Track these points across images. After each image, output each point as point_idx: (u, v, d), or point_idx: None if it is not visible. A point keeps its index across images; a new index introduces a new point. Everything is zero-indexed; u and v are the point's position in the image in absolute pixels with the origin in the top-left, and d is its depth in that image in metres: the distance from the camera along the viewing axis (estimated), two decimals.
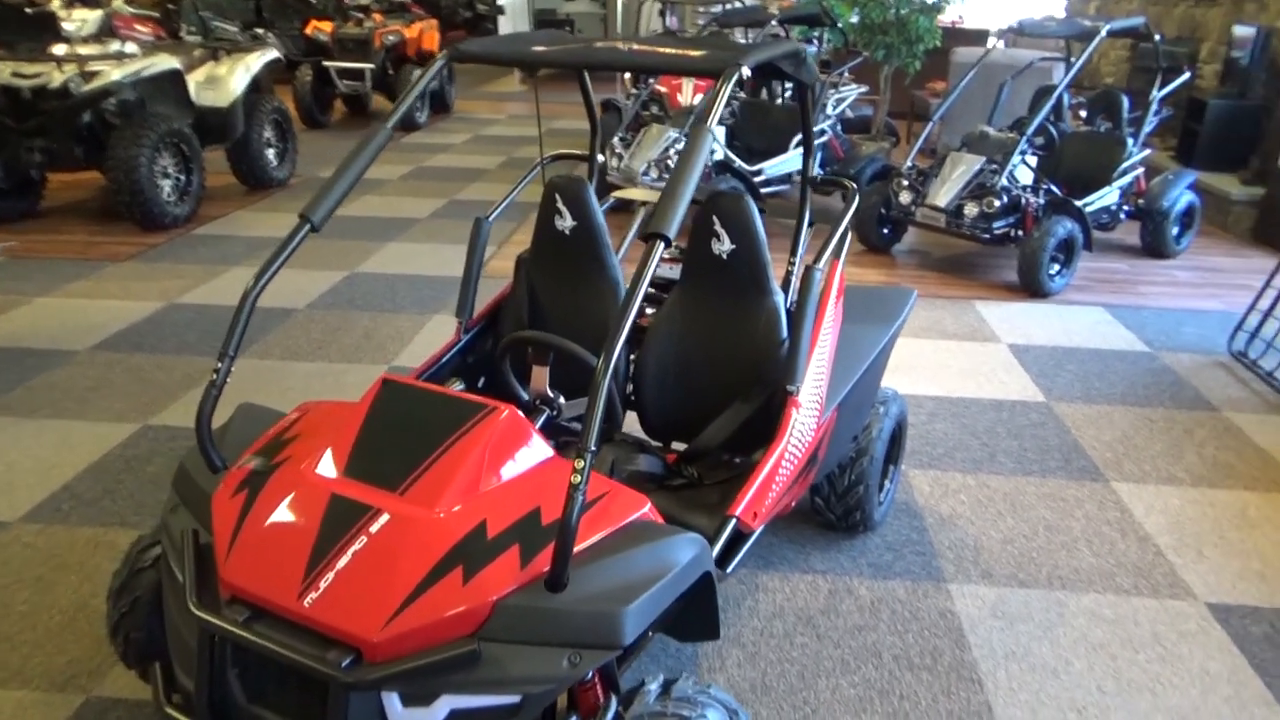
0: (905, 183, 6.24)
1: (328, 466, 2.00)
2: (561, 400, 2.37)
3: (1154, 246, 6.73)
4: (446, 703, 1.73)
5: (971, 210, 5.90)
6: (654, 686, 1.89)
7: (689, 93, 8.29)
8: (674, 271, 3.27)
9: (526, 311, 3.03)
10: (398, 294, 5.58)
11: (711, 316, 2.80)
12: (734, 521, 2.31)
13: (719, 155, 6.84)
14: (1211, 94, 8.18)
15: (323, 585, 1.79)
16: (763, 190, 7.01)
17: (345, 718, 1.71)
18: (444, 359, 2.99)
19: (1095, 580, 3.07)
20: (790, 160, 7.21)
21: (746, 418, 2.71)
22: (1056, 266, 5.83)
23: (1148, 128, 6.56)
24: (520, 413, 2.05)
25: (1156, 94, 6.59)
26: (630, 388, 2.93)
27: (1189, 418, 4.27)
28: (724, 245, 2.72)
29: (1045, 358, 4.92)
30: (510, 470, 2.00)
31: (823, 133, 7.52)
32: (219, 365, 2.10)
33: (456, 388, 2.69)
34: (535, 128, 12.24)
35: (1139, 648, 2.76)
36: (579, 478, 1.72)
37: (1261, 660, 2.73)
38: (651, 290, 3.30)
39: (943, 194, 6.02)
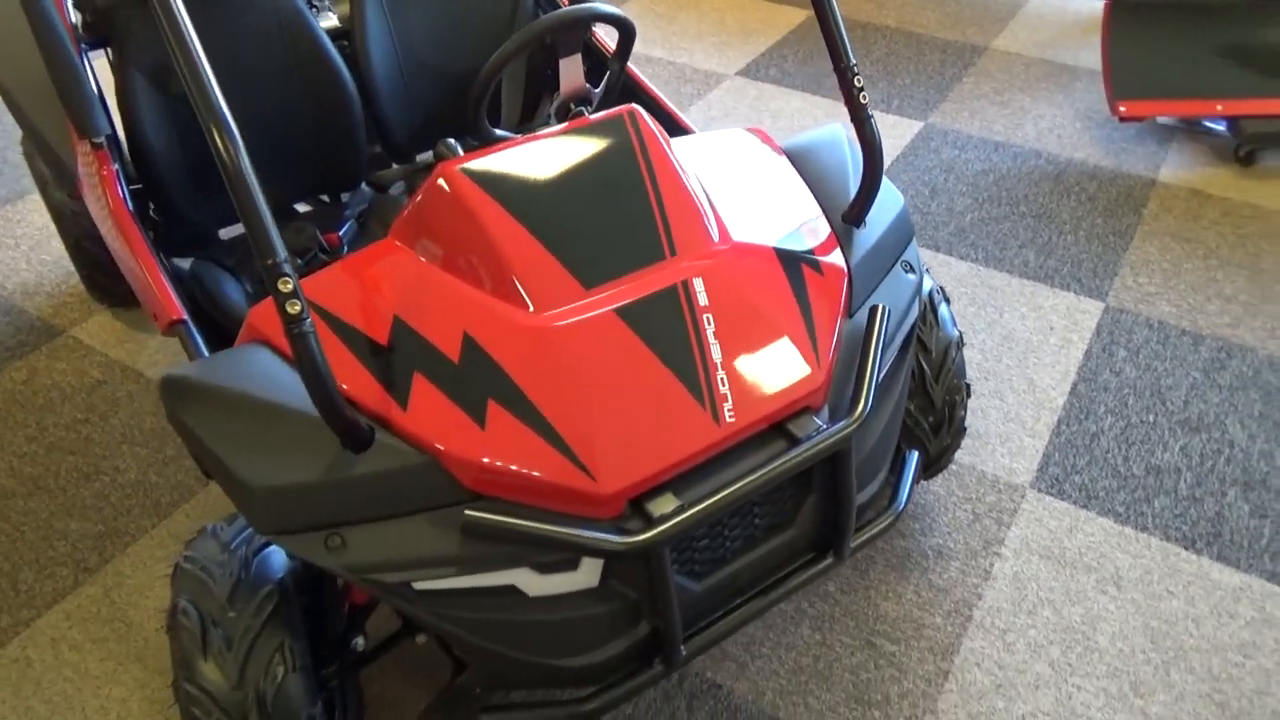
0: None
1: (553, 298, 1.37)
2: (595, 90, 1.80)
3: None
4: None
5: None
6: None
7: None
8: None
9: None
10: None
11: None
12: None
13: None
14: None
15: (726, 390, 1.38)
16: None
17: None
18: (124, 194, 1.85)
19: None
20: None
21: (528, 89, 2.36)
22: None
23: None
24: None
25: None
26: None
27: None
28: None
29: None
30: (692, 163, 1.63)
31: None
32: (279, 268, 1.14)
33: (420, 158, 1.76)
34: None
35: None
36: (865, 101, 1.56)
37: (799, 83, 3.65)
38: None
39: None
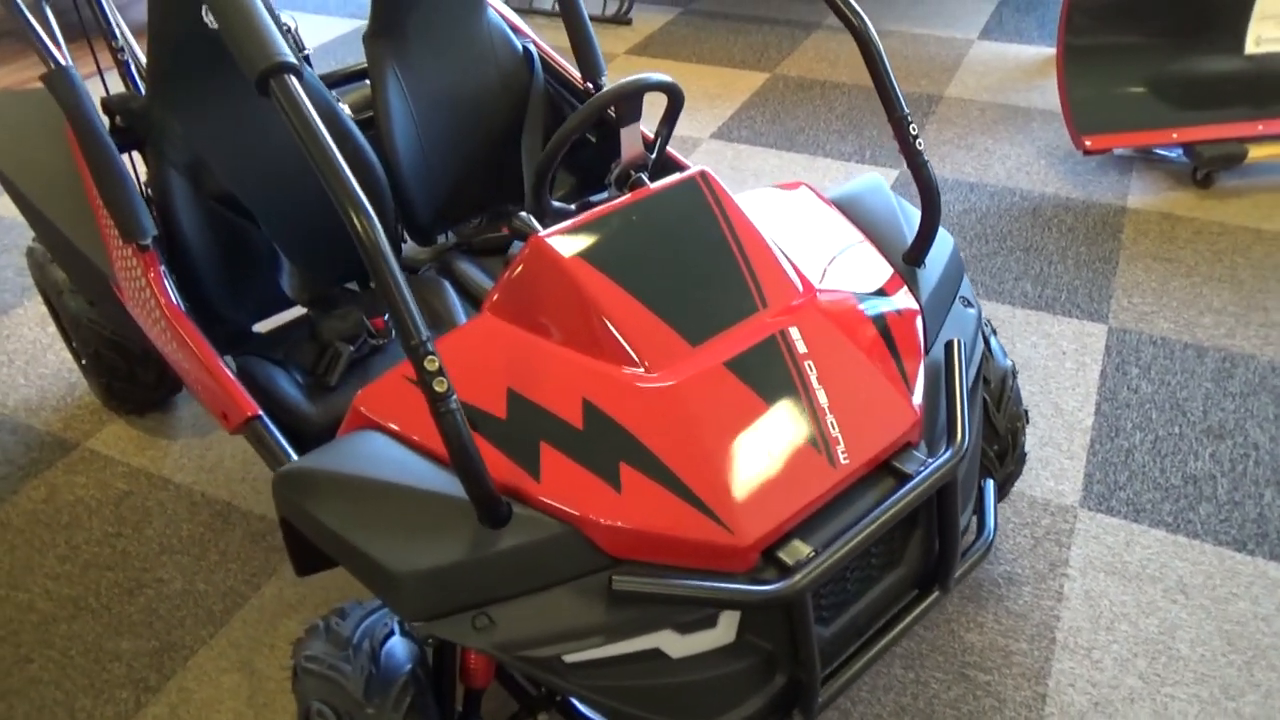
0: None
1: (663, 357, 1.38)
2: (651, 156, 1.83)
3: None
4: None
5: None
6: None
7: None
8: None
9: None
10: None
11: (439, 63, 2.23)
12: None
13: None
14: None
15: (837, 433, 1.40)
16: None
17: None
18: (169, 290, 1.82)
19: None
20: None
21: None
22: None
23: None
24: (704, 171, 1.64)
25: None
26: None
27: None
28: None
29: None
30: (760, 219, 1.68)
31: None
32: (424, 347, 1.12)
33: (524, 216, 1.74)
34: None
35: None
36: (921, 147, 1.62)
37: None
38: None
39: None
